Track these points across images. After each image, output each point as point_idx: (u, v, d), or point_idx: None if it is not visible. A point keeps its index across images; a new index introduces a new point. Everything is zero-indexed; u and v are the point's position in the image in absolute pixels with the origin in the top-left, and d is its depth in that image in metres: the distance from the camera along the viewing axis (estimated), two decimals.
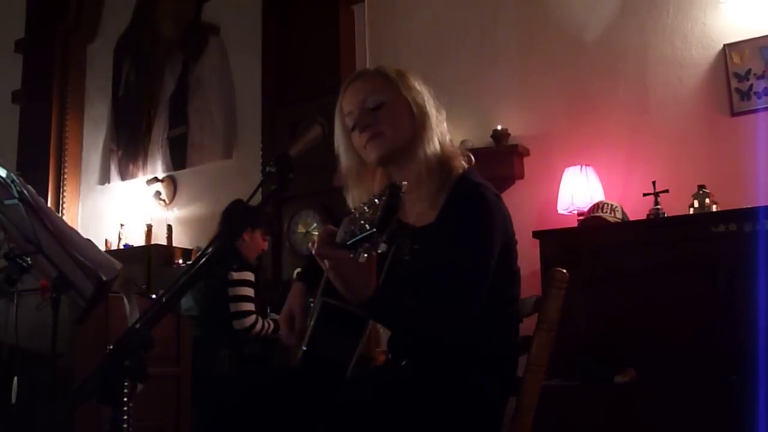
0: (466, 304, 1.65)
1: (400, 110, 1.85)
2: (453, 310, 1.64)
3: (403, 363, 1.78)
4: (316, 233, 4.62)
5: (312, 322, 1.67)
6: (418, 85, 1.89)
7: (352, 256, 1.41)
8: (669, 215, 3.70)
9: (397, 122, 1.84)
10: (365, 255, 1.38)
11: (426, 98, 1.88)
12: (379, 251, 1.40)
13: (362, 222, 1.40)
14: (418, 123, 1.84)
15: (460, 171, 1.83)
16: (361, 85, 1.90)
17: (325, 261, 1.49)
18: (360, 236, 1.39)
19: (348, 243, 1.45)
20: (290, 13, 5.36)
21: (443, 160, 1.83)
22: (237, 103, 5.82)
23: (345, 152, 1.94)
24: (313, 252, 1.50)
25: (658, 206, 3.75)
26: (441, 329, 1.66)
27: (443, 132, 1.88)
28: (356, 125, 1.87)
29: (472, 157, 1.91)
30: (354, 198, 1.94)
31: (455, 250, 1.69)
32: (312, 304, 1.80)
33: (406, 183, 1.44)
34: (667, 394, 3.18)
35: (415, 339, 1.74)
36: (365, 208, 1.43)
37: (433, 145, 1.83)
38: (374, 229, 1.35)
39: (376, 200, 1.40)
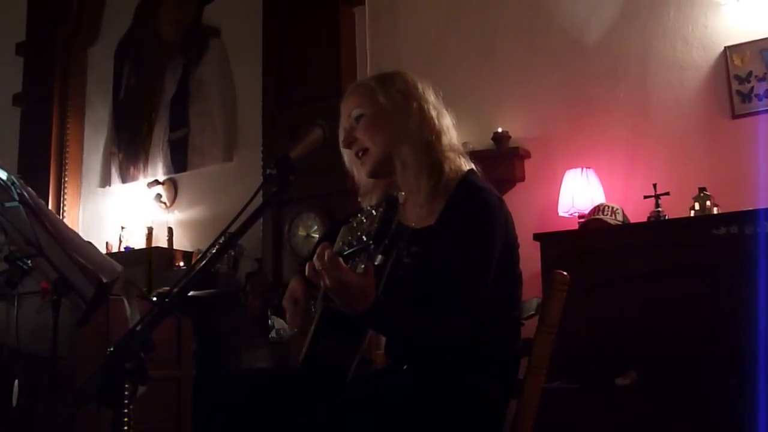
0: (465, 309, 1.65)
1: (379, 120, 1.84)
2: (451, 315, 1.64)
3: (405, 367, 1.78)
4: (317, 236, 4.63)
5: (313, 327, 1.67)
6: (405, 86, 1.87)
7: (349, 265, 1.41)
8: (670, 218, 3.70)
9: (375, 133, 1.84)
10: (362, 266, 1.38)
11: (411, 100, 1.85)
12: (376, 263, 1.40)
13: (359, 233, 1.41)
14: (401, 128, 1.83)
15: (459, 173, 1.82)
16: (346, 100, 1.92)
17: (324, 276, 1.48)
18: (357, 247, 1.40)
19: (345, 254, 1.45)
20: (291, 16, 5.36)
21: (436, 162, 1.81)
22: (237, 105, 5.82)
23: (355, 168, 1.95)
24: (317, 266, 1.49)
25: (659, 209, 3.75)
26: (439, 337, 1.65)
27: (439, 131, 1.85)
28: (343, 143, 1.89)
29: (470, 161, 1.90)
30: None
31: (455, 254, 1.68)
32: (313, 307, 1.80)
33: (403, 194, 1.44)
34: (668, 396, 3.17)
35: (414, 348, 1.73)
36: (363, 218, 1.44)
37: (417, 149, 1.81)
38: (371, 242, 1.36)
39: (374, 211, 1.41)
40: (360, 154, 1.88)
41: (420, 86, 1.90)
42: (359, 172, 1.94)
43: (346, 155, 1.95)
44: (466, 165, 1.85)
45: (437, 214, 1.77)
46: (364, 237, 1.39)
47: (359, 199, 1.98)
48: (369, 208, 1.45)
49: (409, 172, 1.82)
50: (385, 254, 1.44)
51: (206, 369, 3.79)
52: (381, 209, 1.39)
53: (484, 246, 1.71)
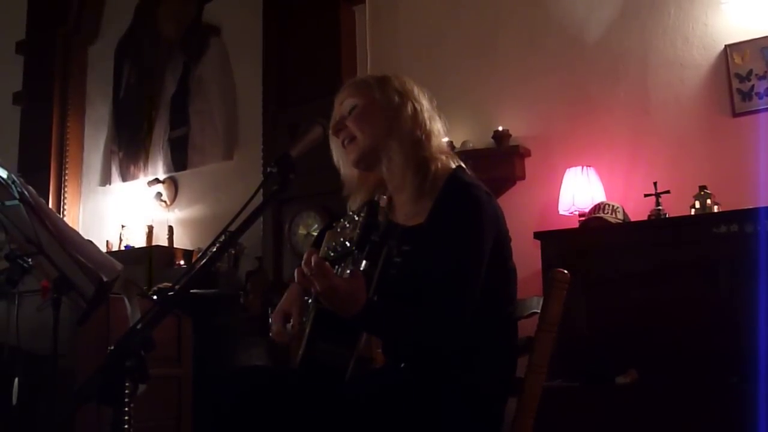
0: (458, 306, 1.64)
1: (371, 112, 1.86)
2: (444, 313, 1.64)
3: (402, 366, 1.78)
4: (317, 234, 4.61)
5: (308, 328, 1.67)
6: (401, 86, 1.89)
7: (335, 271, 1.42)
8: (670, 216, 3.70)
9: (365, 124, 1.85)
10: (348, 272, 1.39)
11: (406, 100, 1.87)
12: (361, 268, 1.40)
13: (342, 239, 1.41)
14: (392, 124, 1.84)
15: (447, 171, 1.82)
16: (341, 92, 1.94)
17: (314, 282, 1.49)
18: (341, 253, 1.41)
19: (330, 259, 1.46)
20: (291, 15, 5.36)
21: (423, 160, 1.82)
22: (238, 104, 5.82)
23: (341, 161, 1.96)
24: (305, 270, 1.50)
25: (660, 207, 3.75)
26: (433, 335, 1.65)
27: (429, 133, 1.86)
28: (332, 129, 1.90)
29: (459, 159, 1.91)
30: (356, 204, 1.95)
31: (445, 251, 1.68)
32: (309, 302, 1.80)
33: (385, 197, 1.45)
34: (669, 395, 3.18)
35: (409, 347, 1.73)
36: (346, 224, 1.45)
37: (405, 146, 1.82)
38: (354, 248, 1.36)
39: (356, 217, 1.41)
40: (346, 142, 1.89)
41: (416, 90, 1.92)
42: (345, 167, 1.95)
43: (335, 149, 1.95)
44: (455, 164, 1.86)
45: (426, 212, 1.77)
46: (347, 243, 1.40)
47: (344, 195, 1.98)
48: (352, 213, 1.46)
49: (395, 168, 1.83)
50: (370, 259, 1.45)
51: (204, 367, 3.79)
52: (363, 215, 1.39)
53: (474, 242, 1.70)
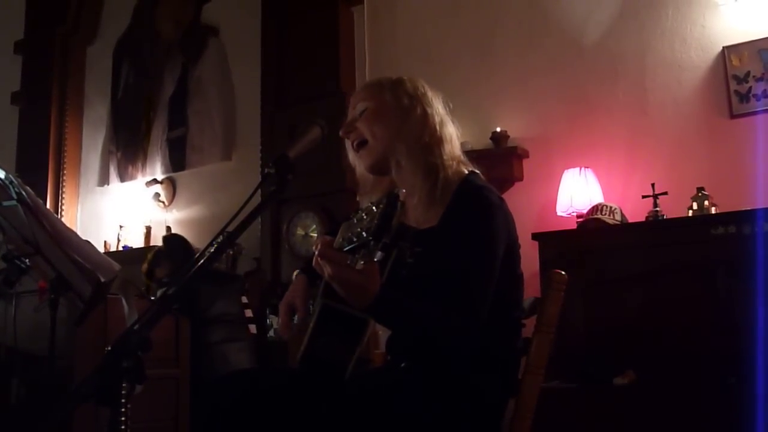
0: (474, 306, 1.64)
1: (380, 115, 1.86)
2: (461, 313, 1.63)
3: (403, 365, 1.77)
4: (315, 235, 4.61)
5: (312, 324, 1.67)
6: (413, 89, 1.89)
7: (348, 262, 1.41)
8: (668, 217, 3.70)
9: (374, 126, 1.85)
10: (362, 262, 1.38)
11: (416, 103, 1.86)
12: (375, 259, 1.39)
13: (359, 230, 1.40)
14: (400, 127, 1.83)
15: (459, 177, 1.81)
16: (355, 95, 1.95)
17: (326, 267, 1.48)
18: (356, 243, 1.40)
19: (345, 250, 1.45)
20: (290, 15, 5.36)
21: (432, 166, 1.81)
22: (236, 104, 5.82)
23: (357, 162, 1.96)
24: (316, 253, 1.50)
25: (657, 208, 3.75)
26: (449, 333, 1.64)
27: (440, 138, 1.84)
28: (342, 131, 1.90)
29: (472, 165, 1.90)
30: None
31: (460, 253, 1.68)
32: (312, 305, 1.79)
33: (404, 191, 1.44)
34: (666, 396, 3.18)
35: (421, 343, 1.72)
36: (363, 215, 1.44)
37: (413, 149, 1.82)
38: (370, 238, 1.35)
39: (374, 208, 1.40)
40: (355, 145, 1.89)
41: (429, 94, 1.91)
42: (361, 167, 1.95)
43: (350, 150, 1.95)
44: (468, 170, 1.85)
45: (439, 216, 1.77)
46: (363, 233, 1.38)
47: (358, 198, 1.99)
48: (370, 204, 1.44)
49: (405, 173, 1.83)
50: (384, 251, 1.44)
51: (199, 369, 3.78)
52: (381, 205, 1.38)
53: (489, 244, 1.70)
